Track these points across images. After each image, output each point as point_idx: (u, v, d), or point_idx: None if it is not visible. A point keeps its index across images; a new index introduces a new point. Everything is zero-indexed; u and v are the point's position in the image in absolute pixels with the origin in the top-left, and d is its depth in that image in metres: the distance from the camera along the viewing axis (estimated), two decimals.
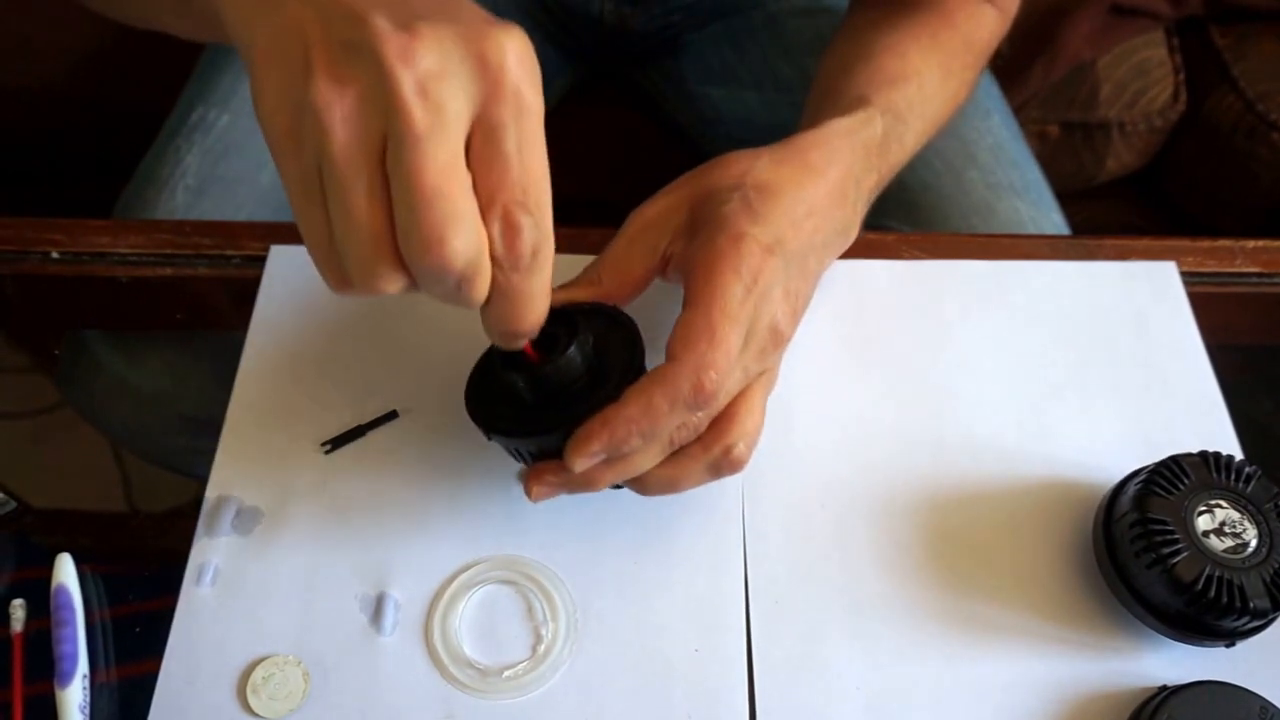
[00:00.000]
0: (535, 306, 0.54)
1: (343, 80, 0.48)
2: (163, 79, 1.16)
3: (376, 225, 0.49)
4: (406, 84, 0.47)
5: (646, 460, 0.63)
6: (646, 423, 0.60)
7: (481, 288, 0.51)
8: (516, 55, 0.49)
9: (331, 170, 0.49)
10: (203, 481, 0.74)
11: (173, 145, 1.08)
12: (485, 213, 0.50)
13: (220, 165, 1.06)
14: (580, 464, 0.61)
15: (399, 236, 0.49)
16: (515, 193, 0.50)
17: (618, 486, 0.67)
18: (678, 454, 0.64)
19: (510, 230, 0.50)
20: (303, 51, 0.48)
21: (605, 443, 0.60)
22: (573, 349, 0.61)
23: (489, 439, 0.66)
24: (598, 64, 1.37)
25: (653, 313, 0.69)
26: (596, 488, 0.65)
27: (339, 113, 0.48)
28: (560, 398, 0.62)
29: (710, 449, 0.64)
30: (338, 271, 0.52)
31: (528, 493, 0.65)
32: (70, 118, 1.58)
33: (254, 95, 0.51)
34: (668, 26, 1.26)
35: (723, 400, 0.63)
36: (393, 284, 0.51)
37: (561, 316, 0.62)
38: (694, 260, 0.64)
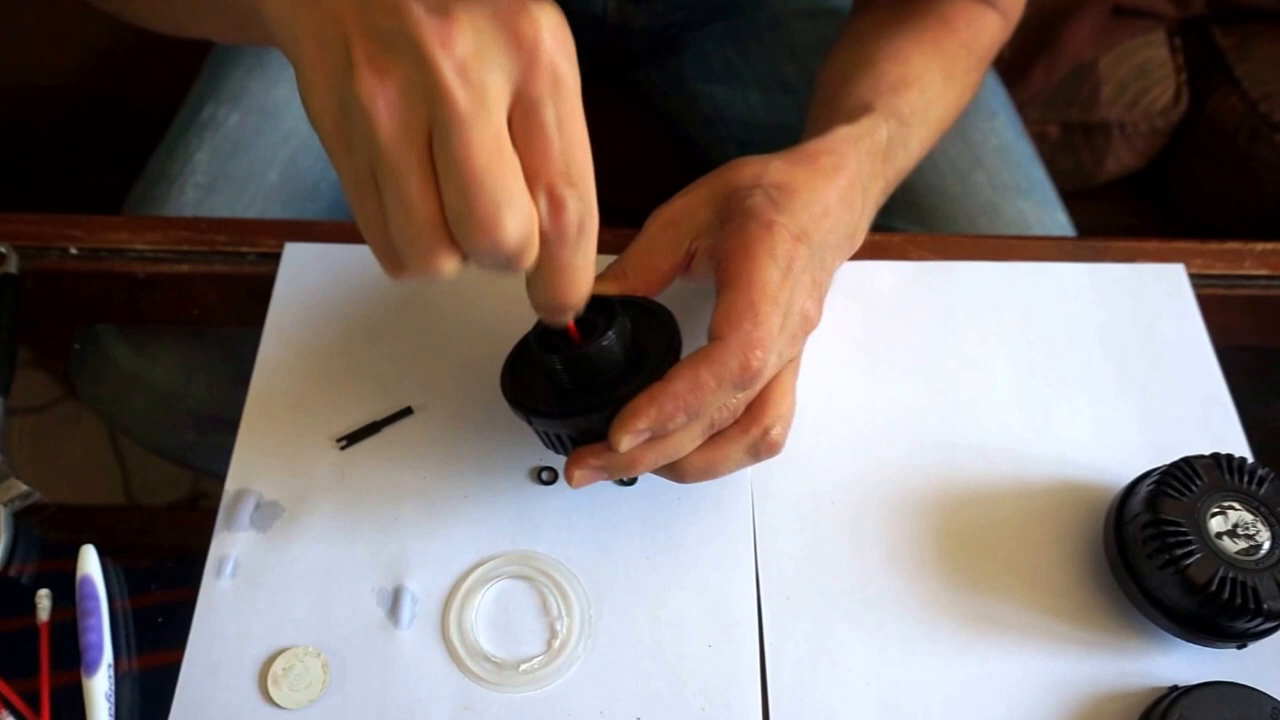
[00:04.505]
0: (582, 279, 0.55)
1: (385, 71, 0.48)
2: (172, 76, 1.16)
3: (429, 210, 0.50)
4: (446, 68, 0.47)
5: (688, 441, 0.64)
6: (694, 399, 0.60)
7: (529, 259, 0.52)
8: (551, 30, 0.50)
9: (381, 160, 0.49)
10: (215, 476, 0.75)
11: (183, 142, 1.08)
12: (530, 188, 0.50)
13: (230, 162, 1.06)
14: (627, 441, 0.61)
15: (450, 219, 0.50)
16: (558, 167, 0.51)
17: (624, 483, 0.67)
18: (716, 438, 0.65)
19: (555, 205, 0.51)
20: (344, 46, 0.49)
21: (653, 419, 0.60)
22: (612, 332, 0.62)
23: (530, 424, 0.66)
24: (599, 63, 1.37)
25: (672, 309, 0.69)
26: (637, 470, 0.65)
27: (383, 104, 0.48)
28: (598, 382, 0.63)
29: (749, 431, 0.65)
30: (394, 259, 0.53)
31: (569, 479, 0.65)
32: (81, 115, 1.58)
33: (302, 96, 0.52)
34: (670, 25, 1.26)
35: (764, 381, 0.64)
36: (449, 264, 0.52)
37: (600, 303, 0.63)
38: (727, 246, 0.65)
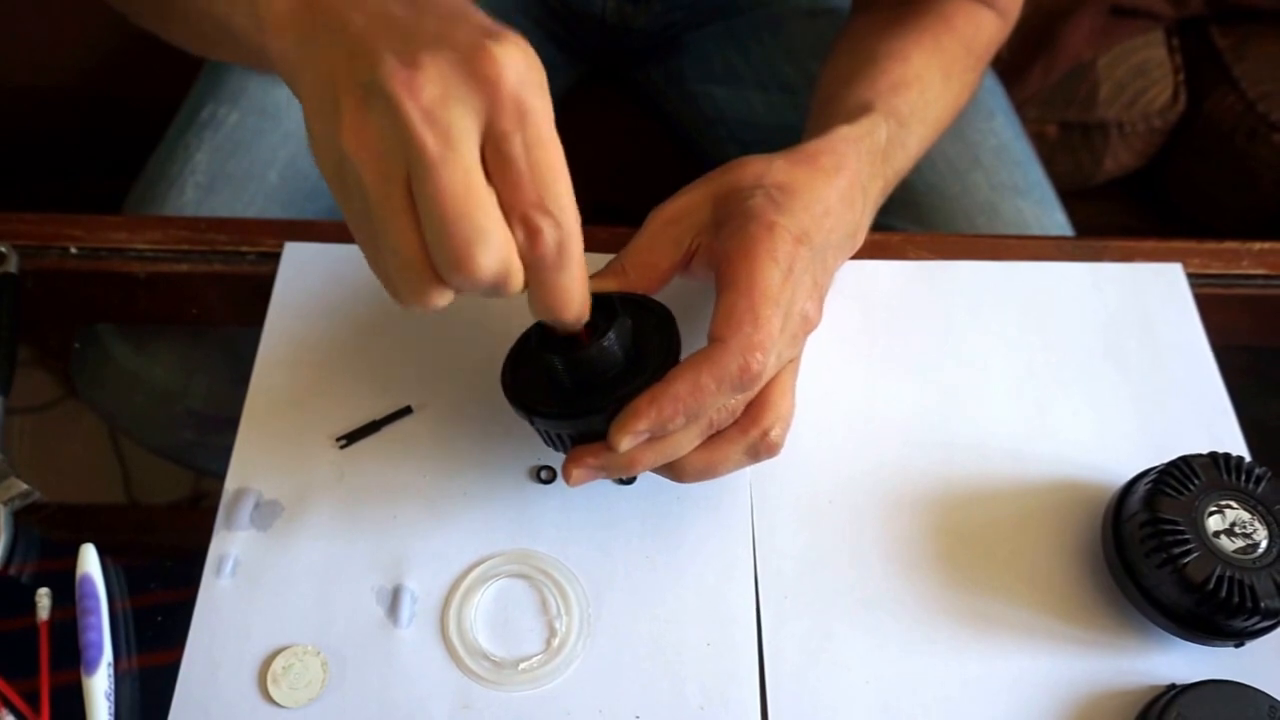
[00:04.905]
0: (572, 297, 0.56)
1: (364, 123, 0.52)
2: (172, 76, 1.16)
3: (413, 250, 0.53)
4: (414, 115, 0.50)
5: (687, 442, 0.64)
6: (693, 401, 0.61)
7: (515, 285, 0.54)
8: (513, 65, 0.51)
9: (369, 209, 0.53)
10: (215, 475, 0.75)
11: (182, 142, 1.08)
12: (508, 219, 0.52)
13: (230, 162, 1.06)
14: (626, 442, 0.62)
15: (432, 256, 0.52)
16: (530, 197, 0.52)
17: (623, 482, 0.67)
18: (715, 438, 0.66)
19: (531, 234, 0.53)
20: (334, 97, 0.53)
21: (653, 420, 0.61)
22: (612, 334, 0.62)
23: (531, 423, 0.67)
24: (599, 63, 1.37)
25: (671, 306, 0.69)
26: (636, 470, 0.65)
27: (365, 155, 0.52)
28: (598, 383, 0.63)
29: (748, 432, 0.65)
30: (396, 293, 0.56)
31: (566, 477, 0.66)
32: (81, 115, 1.58)
33: (309, 141, 0.56)
34: (669, 25, 1.26)
35: (764, 382, 0.64)
36: (440, 299, 0.55)
37: (601, 303, 0.63)
38: (728, 247, 0.65)
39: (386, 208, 0.52)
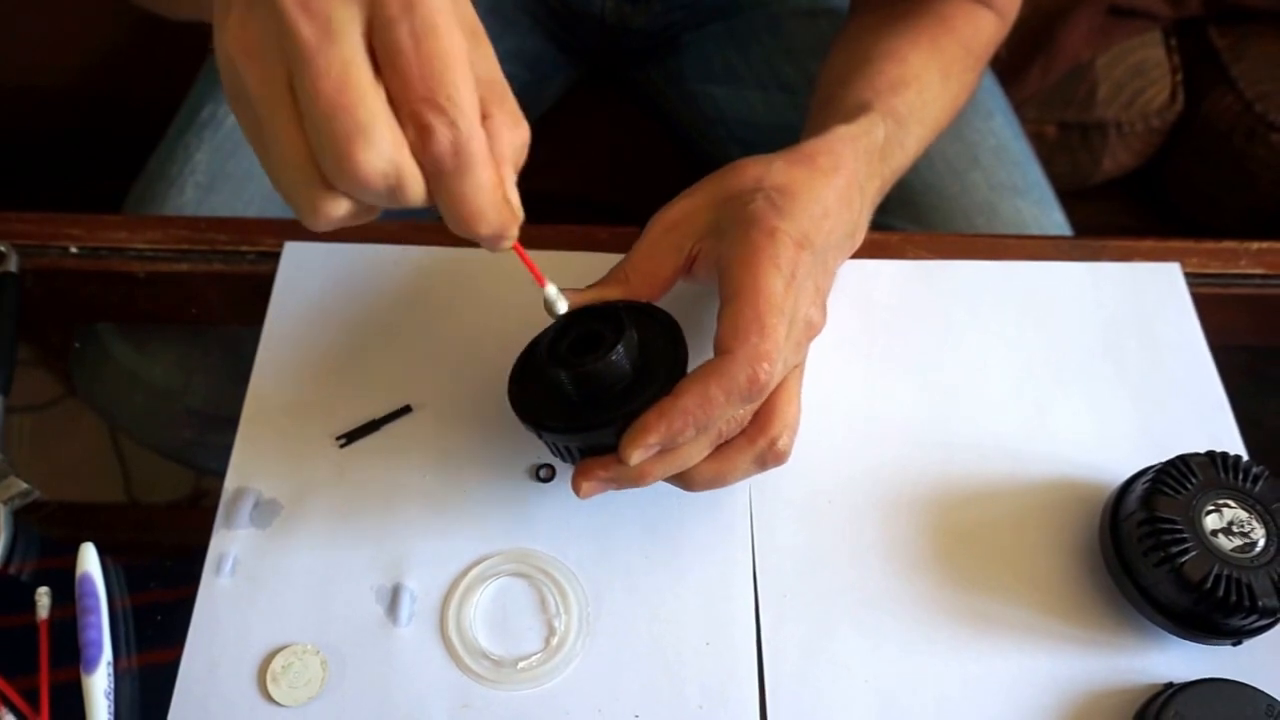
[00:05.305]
0: (480, 207, 0.52)
1: (248, 24, 0.49)
2: (172, 76, 1.16)
3: (300, 155, 0.50)
4: (291, 6, 0.47)
5: (696, 453, 0.64)
6: (703, 414, 0.60)
7: (414, 193, 0.51)
8: None
9: (252, 110, 0.50)
10: (215, 474, 0.75)
11: (182, 142, 1.08)
12: (398, 118, 0.49)
13: (230, 162, 1.06)
14: (637, 456, 0.61)
15: (317, 159, 0.49)
16: (419, 91, 0.49)
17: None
18: (724, 448, 0.65)
19: (422, 133, 0.49)
20: (226, 4, 0.50)
21: (663, 434, 0.60)
22: (620, 348, 0.62)
23: (539, 437, 0.67)
24: (598, 62, 1.37)
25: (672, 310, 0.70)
26: (645, 482, 0.65)
27: (247, 55, 0.49)
28: (606, 396, 0.63)
29: (756, 441, 0.65)
30: (291, 204, 0.53)
31: (576, 490, 0.66)
32: (81, 115, 1.58)
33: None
34: (669, 25, 1.26)
35: (771, 390, 0.64)
36: (335, 208, 0.52)
37: (607, 315, 0.63)
38: (730, 255, 0.65)
39: (269, 108, 0.49)
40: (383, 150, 0.48)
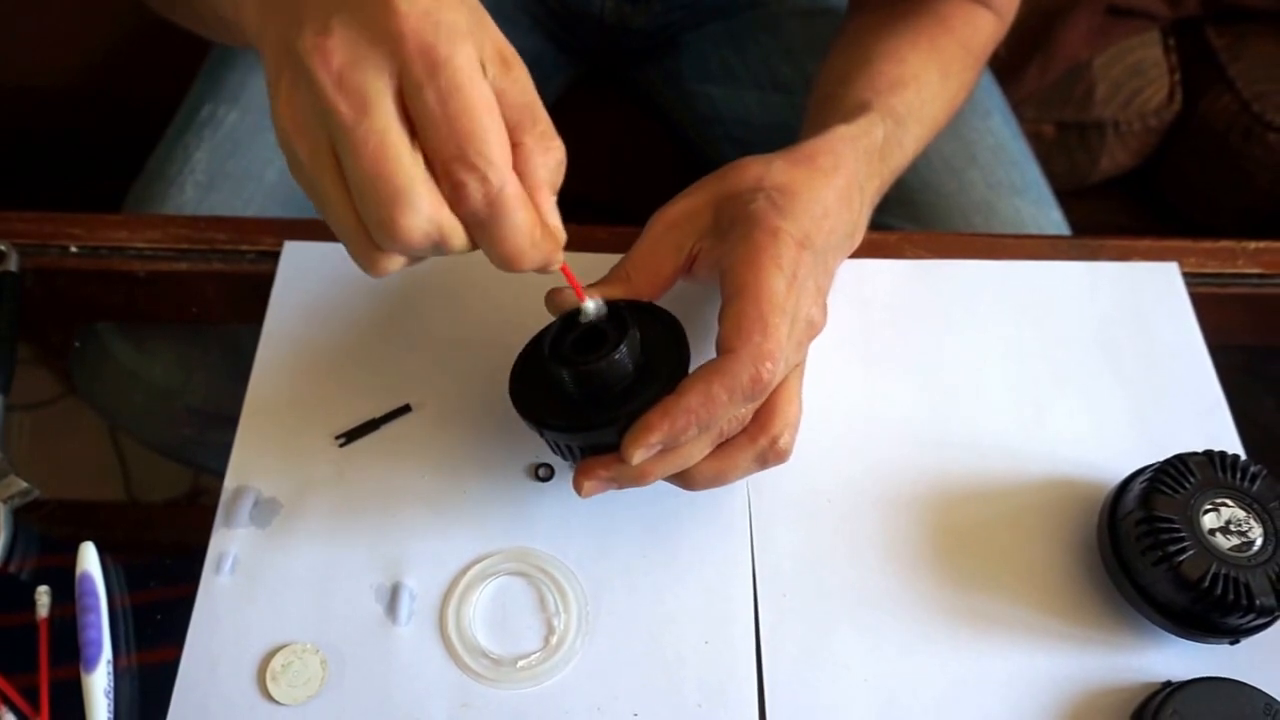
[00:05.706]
0: (518, 247, 0.55)
1: (293, 99, 0.52)
2: (172, 76, 1.16)
3: (350, 221, 0.53)
4: (327, 84, 0.50)
5: (697, 452, 0.64)
6: (705, 413, 0.61)
7: (458, 244, 0.53)
8: (415, 14, 0.50)
9: (307, 183, 0.53)
10: (214, 473, 0.75)
11: (181, 142, 1.08)
12: (434, 176, 0.52)
13: (229, 161, 1.06)
14: (639, 455, 0.61)
15: (364, 222, 0.52)
16: (449, 149, 0.51)
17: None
18: (724, 446, 0.66)
19: (456, 189, 0.52)
20: (276, 70, 0.53)
21: (665, 433, 0.61)
22: (623, 347, 0.62)
23: (541, 435, 0.67)
24: (597, 62, 1.37)
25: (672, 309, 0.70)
26: (646, 481, 0.65)
27: (295, 128, 0.52)
28: (608, 394, 0.63)
29: (757, 440, 0.65)
30: (354, 260, 0.56)
31: (577, 489, 0.66)
32: (81, 115, 1.58)
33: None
34: (668, 25, 1.26)
35: (772, 389, 0.64)
36: (389, 264, 0.55)
37: (610, 314, 0.63)
38: (732, 255, 0.65)
39: (319, 179, 0.52)
40: (422, 210, 0.51)
